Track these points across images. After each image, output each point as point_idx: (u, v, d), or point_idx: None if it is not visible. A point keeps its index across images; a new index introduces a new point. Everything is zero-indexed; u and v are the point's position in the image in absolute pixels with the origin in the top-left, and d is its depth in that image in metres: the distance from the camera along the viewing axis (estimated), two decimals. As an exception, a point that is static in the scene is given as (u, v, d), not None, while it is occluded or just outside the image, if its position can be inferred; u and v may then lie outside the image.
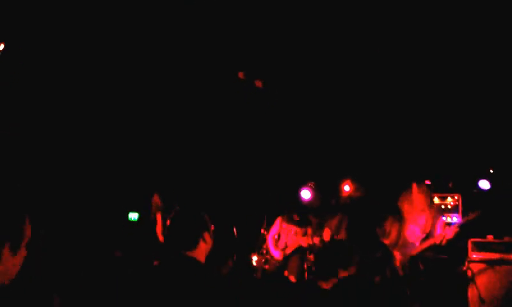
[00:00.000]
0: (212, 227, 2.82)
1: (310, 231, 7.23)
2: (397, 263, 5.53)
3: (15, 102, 6.14)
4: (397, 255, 5.59)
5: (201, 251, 2.73)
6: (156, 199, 6.83)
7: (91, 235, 6.73)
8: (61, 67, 6.20)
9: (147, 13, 5.67)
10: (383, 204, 6.31)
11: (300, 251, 7.05)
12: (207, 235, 2.75)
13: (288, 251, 7.14)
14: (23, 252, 1.77)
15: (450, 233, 5.48)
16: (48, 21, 5.45)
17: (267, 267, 7.40)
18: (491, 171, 7.38)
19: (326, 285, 2.96)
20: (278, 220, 7.46)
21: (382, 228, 5.68)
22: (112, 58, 6.25)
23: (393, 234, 5.65)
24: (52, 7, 5.28)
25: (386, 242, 5.66)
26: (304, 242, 7.05)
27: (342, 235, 8.10)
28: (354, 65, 6.61)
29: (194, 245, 2.70)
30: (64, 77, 6.34)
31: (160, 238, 6.49)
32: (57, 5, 5.28)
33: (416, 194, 5.83)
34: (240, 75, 6.29)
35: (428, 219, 5.73)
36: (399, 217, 5.75)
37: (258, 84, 6.39)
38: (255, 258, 7.58)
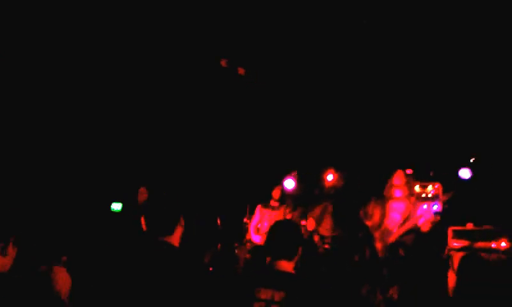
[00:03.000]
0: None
1: (287, 210, 7.29)
2: (378, 245, 5.63)
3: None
4: (378, 237, 5.68)
5: (177, 235, 2.74)
6: (143, 191, 6.82)
7: (75, 226, 6.70)
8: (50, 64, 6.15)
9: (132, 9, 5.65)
10: (366, 189, 6.39)
11: None
12: (181, 219, 2.78)
13: (264, 236, 7.17)
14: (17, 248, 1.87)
15: (428, 216, 5.56)
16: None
17: (248, 256, 7.44)
18: (472, 160, 7.47)
19: (288, 265, 2.93)
20: (258, 208, 7.49)
21: (365, 210, 5.82)
22: (95, 52, 6.21)
23: (376, 216, 5.78)
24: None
25: (369, 223, 5.80)
26: (280, 217, 7.10)
27: (325, 224, 8.16)
28: (337, 55, 6.63)
29: (172, 230, 2.71)
30: (54, 71, 6.29)
31: (144, 227, 6.47)
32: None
33: (399, 181, 5.91)
34: (223, 63, 6.27)
35: (408, 206, 5.81)
36: (382, 202, 5.85)
37: (241, 71, 6.38)
38: (237, 249, 7.63)
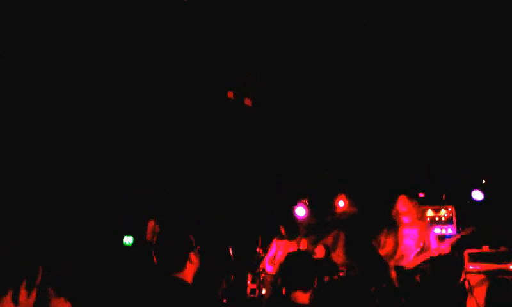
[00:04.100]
0: (198, 247, 2.79)
1: (298, 239, 7.23)
2: (393, 274, 5.52)
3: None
4: (392, 266, 5.58)
5: (189, 272, 2.69)
6: (152, 224, 6.82)
7: (87, 258, 6.68)
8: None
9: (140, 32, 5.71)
10: (377, 217, 6.32)
11: None
12: (192, 255, 2.72)
13: (278, 266, 7.10)
14: (35, 293, 1.75)
15: (446, 248, 5.46)
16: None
17: (262, 287, 7.36)
18: (484, 182, 7.39)
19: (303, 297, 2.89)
20: (274, 241, 7.44)
21: (378, 240, 5.73)
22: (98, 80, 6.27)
23: (389, 245, 5.68)
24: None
25: (382, 252, 5.70)
26: (293, 247, 7.04)
27: (338, 251, 8.09)
28: (345, 80, 6.64)
29: (181, 266, 2.66)
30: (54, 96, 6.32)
31: (156, 261, 6.43)
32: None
33: (405, 206, 5.81)
34: (230, 94, 6.31)
35: (421, 232, 5.70)
36: (394, 229, 5.76)
37: (248, 102, 6.41)
38: (250, 279, 7.56)
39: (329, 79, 6.59)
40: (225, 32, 5.71)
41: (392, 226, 5.71)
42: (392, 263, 5.55)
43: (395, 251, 5.60)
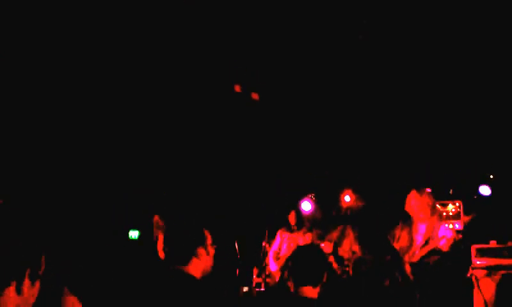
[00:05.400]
0: (214, 245, 2.76)
1: (306, 231, 7.21)
2: (407, 268, 5.50)
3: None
4: (407, 260, 5.57)
5: (196, 266, 2.66)
6: (157, 219, 6.80)
7: (92, 253, 6.68)
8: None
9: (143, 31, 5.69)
10: (391, 210, 6.29)
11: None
12: (201, 251, 2.67)
13: (283, 260, 7.08)
14: (38, 283, 1.72)
15: (449, 236, 5.42)
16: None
17: (268, 280, 7.35)
18: (491, 177, 7.35)
19: (312, 292, 2.87)
20: (278, 233, 7.42)
21: (392, 234, 5.72)
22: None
23: (404, 238, 5.67)
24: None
25: (397, 246, 5.69)
26: (302, 240, 7.02)
27: (345, 246, 8.06)
28: (352, 76, 6.62)
29: (186, 260, 2.64)
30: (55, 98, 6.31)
31: (161, 254, 6.43)
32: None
33: (417, 202, 5.77)
34: (237, 88, 6.28)
35: (429, 227, 5.66)
36: (409, 222, 5.74)
37: (255, 96, 6.38)
38: (256, 273, 7.55)
39: (337, 75, 6.58)
40: (233, 26, 5.69)
41: (407, 220, 5.69)
42: (406, 258, 5.54)
43: (410, 246, 5.58)
